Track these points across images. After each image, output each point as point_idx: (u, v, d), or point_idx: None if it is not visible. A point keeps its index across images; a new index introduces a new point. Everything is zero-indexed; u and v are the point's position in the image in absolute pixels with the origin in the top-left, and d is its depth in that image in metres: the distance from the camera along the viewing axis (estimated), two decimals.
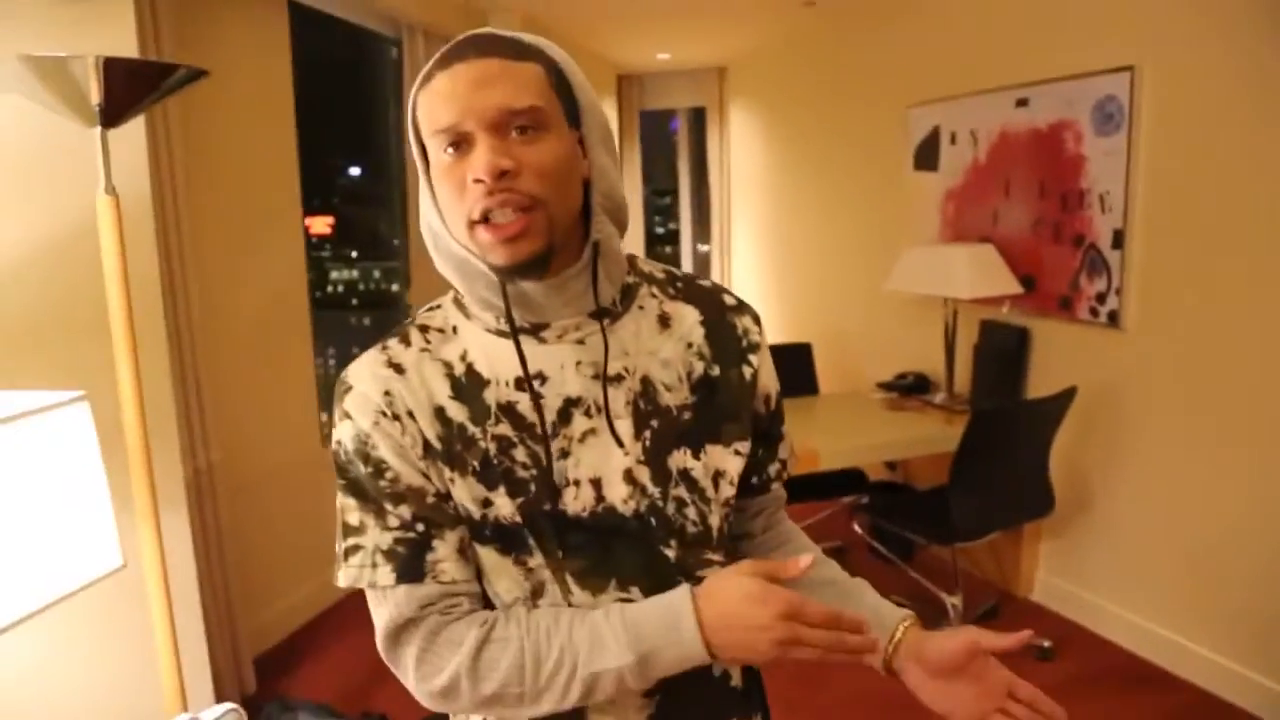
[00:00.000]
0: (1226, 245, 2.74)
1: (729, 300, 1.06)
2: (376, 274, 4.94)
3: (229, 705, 1.32)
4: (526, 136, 0.86)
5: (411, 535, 0.91)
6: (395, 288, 4.85)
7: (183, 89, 1.86)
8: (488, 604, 0.97)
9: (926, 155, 3.86)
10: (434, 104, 0.86)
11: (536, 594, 0.95)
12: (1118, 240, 3.04)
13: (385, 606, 0.92)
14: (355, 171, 4.83)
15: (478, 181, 0.84)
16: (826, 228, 4.72)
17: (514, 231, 0.85)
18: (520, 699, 0.90)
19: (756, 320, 1.06)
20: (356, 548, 0.92)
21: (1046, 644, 3.12)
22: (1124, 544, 3.17)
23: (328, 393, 3.58)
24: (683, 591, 0.88)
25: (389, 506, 0.91)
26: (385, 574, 0.90)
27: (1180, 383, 2.92)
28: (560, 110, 0.89)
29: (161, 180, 2.64)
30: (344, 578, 0.93)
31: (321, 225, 4.34)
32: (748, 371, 1.02)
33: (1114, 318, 3.09)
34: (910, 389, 3.83)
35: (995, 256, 3.43)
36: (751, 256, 6.05)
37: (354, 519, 0.93)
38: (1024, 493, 3.08)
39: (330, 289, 4.98)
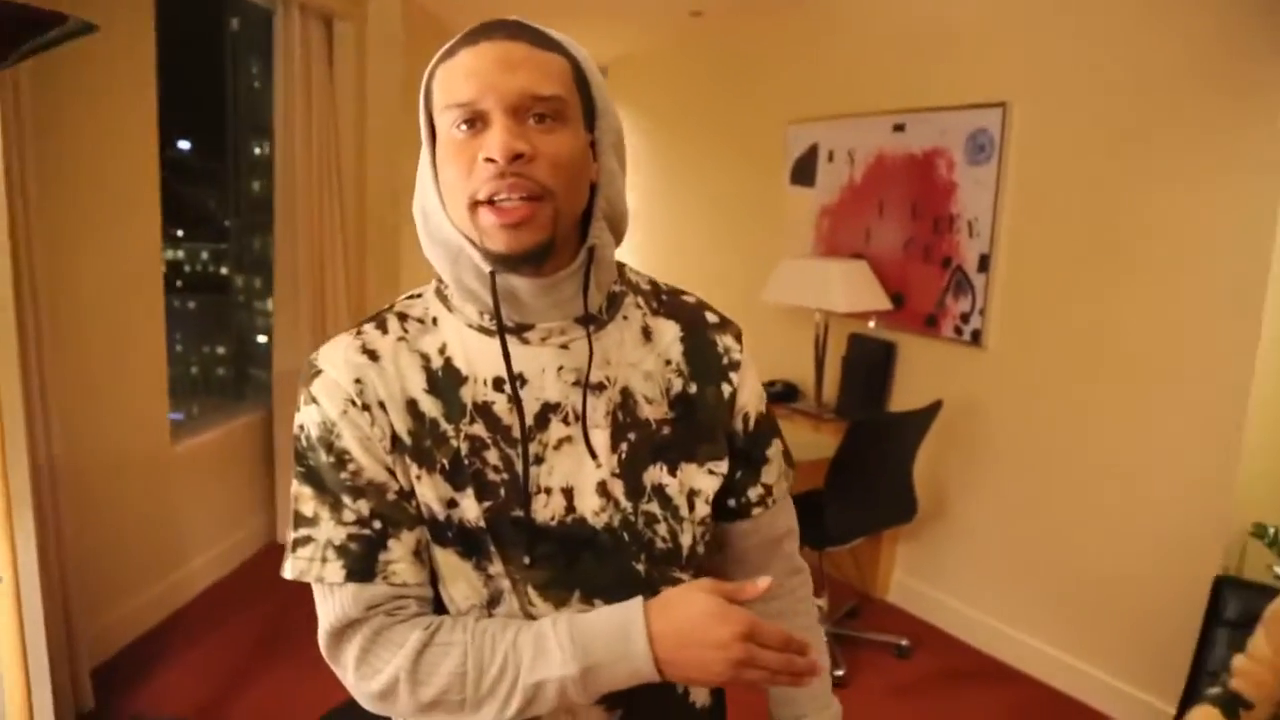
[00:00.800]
0: (1079, 274, 2.97)
1: (711, 317, 1.04)
2: (204, 255, 4.65)
3: None
4: (544, 125, 0.84)
5: (367, 532, 0.88)
6: (225, 271, 4.56)
7: (65, 44, 1.70)
8: (440, 609, 0.93)
9: (804, 171, 3.99)
10: (454, 78, 0.84)
11: (494, 602, 0.91)
12: (983, 264, 3.24)
13: (331, 604, 0.88)
14: (184, 145, 4.53)
15: (489, 161, 0.81)
16: (705, 236, 4.80)
17: (518, 218, 0.82)
18: (460, 705, 0.86)
19: (738, 338, 1.05)
20: (308, 539, 0.88)
21: (904, 642, 3.28)
22: (976, 548, 3.37)
23: (175, 383, 3.33)
24: (635, 604, 0.86)
25: (346, 500, 0.87)
26: (334, 570, 0.87)
27: (1034, 400, 3.14)
28: (579, 107, 0.87)
29: (8, 153, 2.38)
30: (290, 569, 0.89)
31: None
32: (726, 390, 1.01)
33: (976, 337, 3.29)
34: (780, 397, 3.95)
35: (868, 273, 3.58)
36: (627, 260, 6.04)
37: (308, 509, 0.89)
38: (891, 499, 3.23)
39: None
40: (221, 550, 3.72)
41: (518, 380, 0.90)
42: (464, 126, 0.83)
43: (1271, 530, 2.58)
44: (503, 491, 0.89)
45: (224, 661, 3.04)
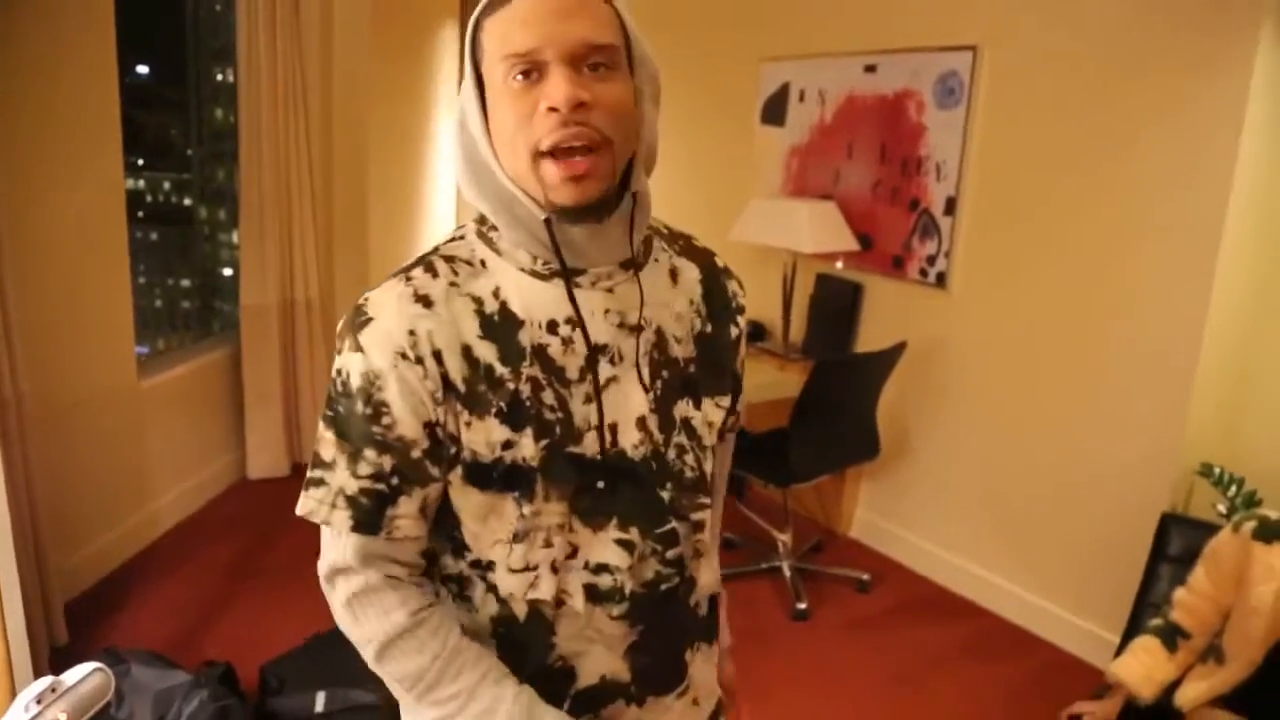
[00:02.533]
0: (1042, 219, 3.01)
1: (719, 263, 1.10)
2: (166, 185, 4.55)
3: (93, 664, 1.23)
4: (600, 74, 0.85)
5: (381, 487, 0.91)
6: (188, 202, 4.48)
7: None
8: (458, 548, 0.98)
9: (774, 110, 3.97)
10: (510, 28, 0.84)
11: (519, 539, 0.95)
12: (949, 207, 3.27)
13: (334, 546, 0.94)
14: (143, 70, 4.38)
15: (552, 110, 0.83)
16: (674, 173, 4.77)
17: (583, 170, 0.85)
18: (406, 694, 0.95)
19: (741, 285, 1.12)
20: (321, 481, 0.92)
21: (865, 577, 3.38)
22: (937, 486, 3.46)
23: (139, 316, 3.30)
24: None
25: (369, 453, 0.90)
26: (342, 518, 0.90)
27: (995, 342, 3.20)
28: (626, 54, 0.90)
29: None
30: (301, 507, 0.93)
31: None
32: (734, 332, 1.07)
33: (941, 279, 3.33)
34: (747, 336, 3.97)
35: (836, 214, 3.60)
36: None
37: (327, 453, 0.92)
38: (854, 438, 3.29)
39: None
40: (191, 486, 3.73)
41: (571, 323, 0.93)
42: (521, 77, 0.84)
43: (1217, 470, 2.67)
44: (559, 429, 0.93)
45: (195, 595, 3.08)
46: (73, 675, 1.22)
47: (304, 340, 4.11)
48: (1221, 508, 2.61)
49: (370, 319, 0.90)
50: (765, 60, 3.99)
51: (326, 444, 0.92)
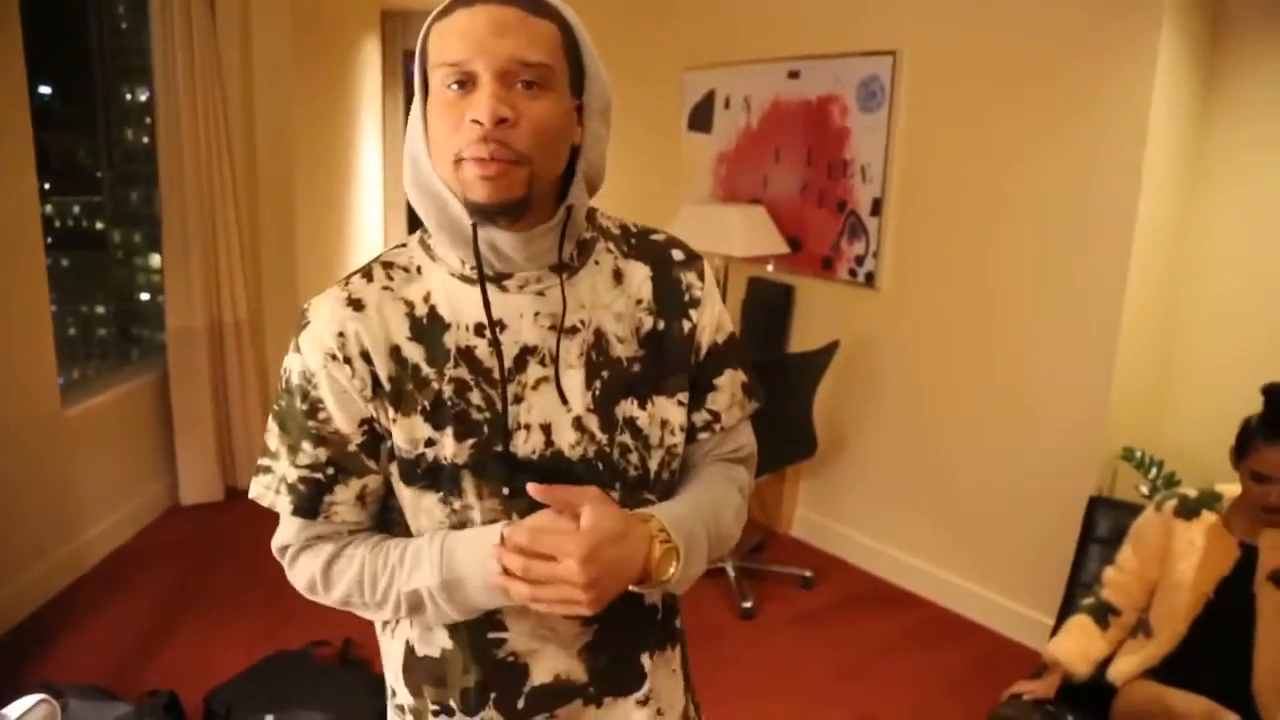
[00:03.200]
0: (964, 217, 3.12)
1: (677, 255, 1.09)
2: (76, 209, 4.42)
3: (39, 696, 1.22)
4: (530, 91, 0.88)
5: (318, 476, 0.98)
6: (100, 226, 4.36)
7: None
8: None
9: (701, 118, 4.03)
10: (448, 38, 0.88)
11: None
12: (876, 208, 3.35)
13: (281, 528, 1.03)
14: (46, 91, 4.23)
15: (475, 123, 0.86)
16: (606, 181, 4.80)
17: (495, 171, 0.88)
18: (365, 606, 1.01)
19: (701, 275, 1.09)
20: (268, 469, 1.00)
21: (808, 574, 3.44)
22: (874, 482, 3.54)
23: (56, 345, 3.19)
24: (498, 528, 0.94)
25: (306, 446, 0.97)
26: (284, 503, 0.98)
27: (926, 338, 3.29)
28: (566, 74, 0.92)
29: None
30: (252, 490, 1.01)
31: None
32: (687, 325, 1.06)
33: (870, 278, 3.41)
34: None
35: (765, 218, 3.66)
36: None
37: (273, 444, 1.00)
38: (792, 437, 3.35)
39: None
40: (122, 515, 3.62)
41: (497, 325, 0.97)
42: (454, 86, 0.88)
43: (1139, 454, 2.79)
44: (486, 429, 0.96)
45: (133, 626, 2.99)
46: (15, 709, 1.19)
47: (234, 361, 4.02)
48: (1144, 489, 2.73)
49: (308, 322, 0.97)
50: (688, 69, 4.04)
51: (272, 435, 1.00)
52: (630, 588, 0.95)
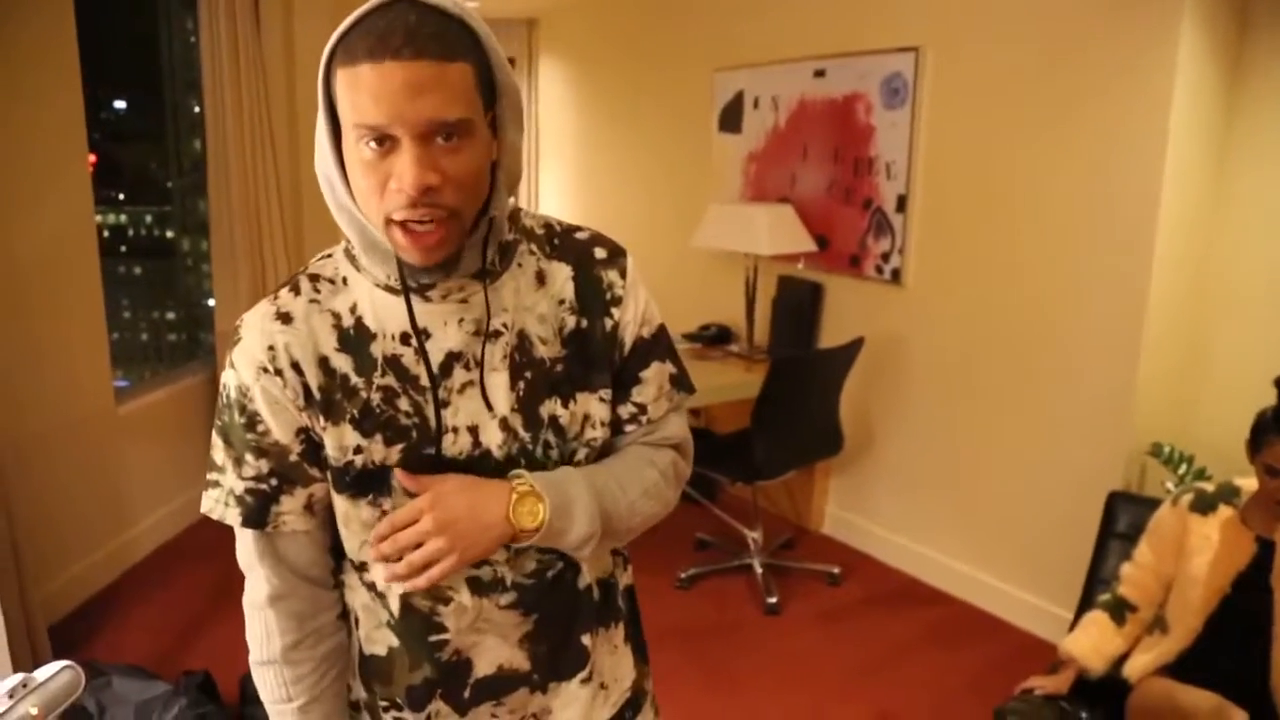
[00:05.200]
0: (989, 212, 3.11)
1: (599, 253, 1.09)
2: (148, 219, 4.56)
3: (64, 662, 1.29)
4: (451, 144, 0.87)
5: (263, 487, 1.00)
6: (171, 234, 4.52)
7: None
8: (337, 549, 1.07)
9: (731, 118, 4.06)
10: (360, 97, 0.85)
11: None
12: (901, 205, 3.36)
13: (239, 541, 1.05)
14: (120, 105, 4.39)
15: (401, 190, 0.86)
16: (636, 184, 4.86)
17: (432, 241, 0.89)
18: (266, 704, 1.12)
19: (624, 273, 1.09)
20: (216, 483, 1.02)
21: (835, 570, 3.45)
22: (901, 478, 3.54)
23: (125, 350, 3.34)
24: None
25: (249, 458, 0.99)
26: (234, 515, 1.00)
27: (949, 334, 3.29)
28: (482, 108, 0.91)
29: None
30: (203, 505, 1.03)
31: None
32: (609, 323, 1.07)
33: (896, 275, 3.41)
34: (714, 339, 4.06)
35: (793, 216, 3.68)
36: (560, 211, 6.10)
37: (219, 458, 1.01)
38: (817, 434, 3.37)
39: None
40: (170, 510, 3.77)
41: (424, 333, 0.98)
42: (374, 144, 0.86)
43: (1167, 449, 2.76)
44: (414, 434, 0.98)
45: (176, 615, 3.12)
46: (44, 672, 1.28)
47: None
48: (1171, 485, 2.70)
49: (240, 338, 0.99)
50: (718, 70, 4.08)
51: (217, 450, 1.01)
52: (514, 546, 1.00)
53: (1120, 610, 2.15)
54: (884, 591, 3.41)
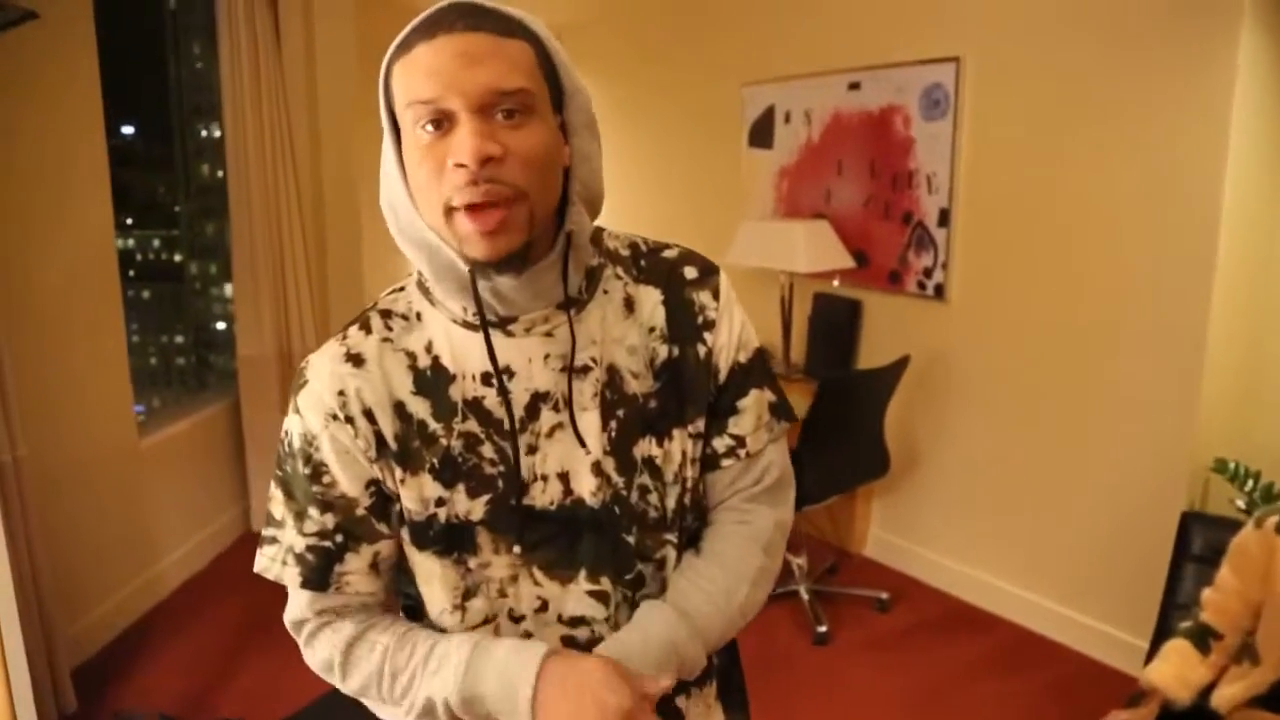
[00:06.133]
0: (1037, 224, 3.01)
1: (689, 273, 1.01)
2: (156, 243, 4.58)
3: None
4: (513, 121, 0.81)
5: (327, 544, 0.92)
6: (179, 258, 4.50)
7: (4, 31, 1.65)
8: (418, 609, 0.99)
9: (762, 133, 3.98)
10: (414, 75, 0.80)
11: (469, 595, 0.94)
12: (943, 218, 3.27)
13: (291, 600, 0.97)
14: (128, 130, 4.42)
15: (460, 166, 0.79)
16: (662, 201, 4.78)
17: (495, 224, 0.81)
18: (381, 700, 0.95)
19: (716, 293, 1.00)
20: (274, 539, 0.94)
21: (884, 596, 3.34)
22: (949, 499, 3.43)
23: (134, 375, 3.27)
24: (537, 650, 0.88)
25: (313, 512, 0.92)
26: (292, 575, 0.93)
27: (999, 350, 3.19)
28: (546, 94, 0.85)
29: None
30: (257, 563, 0.95)
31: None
32: (702, 350, 0.99)
33: (940, 291, 3.32)
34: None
35: (829, 232, 3.59)
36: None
37: (278, 512, 0.94)
38: (864, 456, 3.27)
39: None
40: (196, 543, 3.68)
41: (507, 373, 0.90)
42: (430, 127, 0.81)
43: (1233, 465, 2.65)
44: (500, 483, 0.91)
45: (206, 654, 3.02)
46: None
47: None
48: (1240, 503, 2.59)
49: (306, 382, 0.92)
50: (746, 84, 4.01)
51: (276, 503, 0.94)
52: (612, 603, 0.95)
53: (1204, 638, 2.04)
54: (935, 617, 3.29)
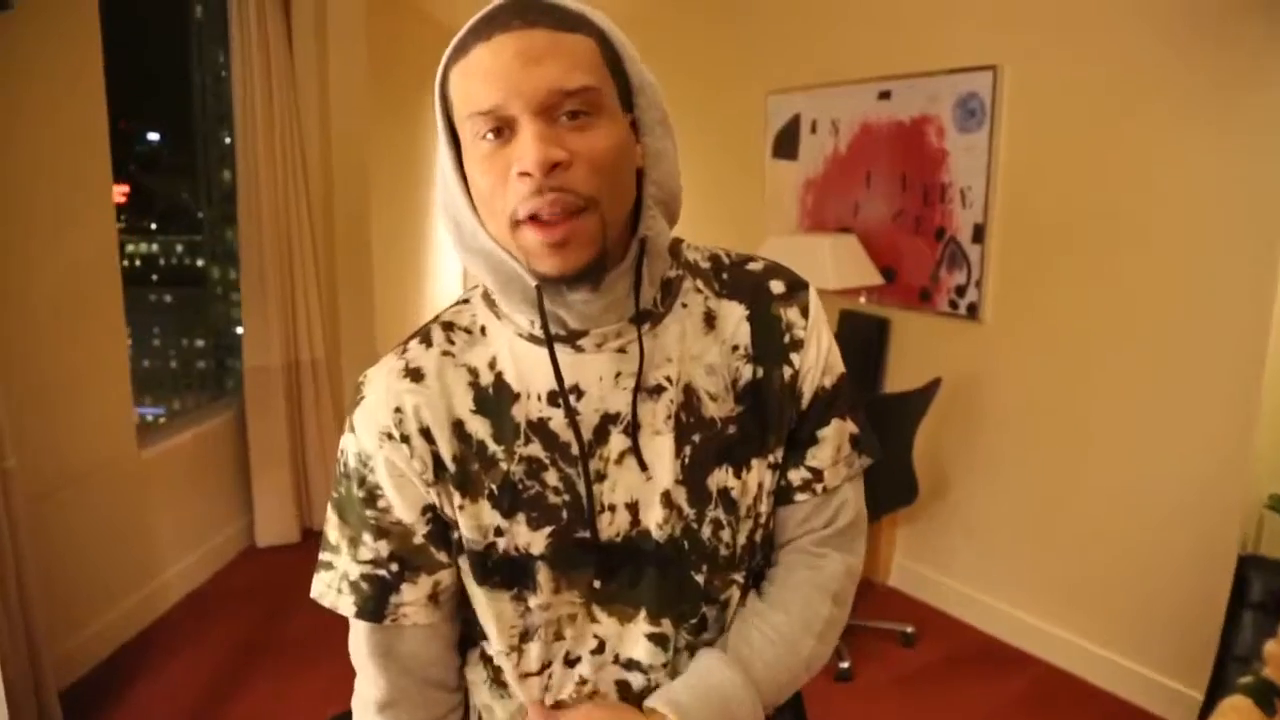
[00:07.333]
0: (1080, 242, 2.85)
1: (776, 287, 0.93)
2: (179, 248, 4.57)
3: None
4: (578, 122, 0.75)
5: (382, 573, 0.86)
6: (201, 263, 4.45)
7: None
8: (471, 636, 0.94)
9: (786, 144, 3.85)
10: (471, 82, 0.75)
11: (526, 638, 0.88)
12: (978, 234, 3.11)
13: (351, 632, 0.91)
14: (153, 137, 4.43)
15: (524, 175, 0.74)
16: (684, 213, 4.65)
17: (562, 236, 0.75)
18: None
19: (805, 310, 0.93)
20: (330, 565, 0.89)
21: (909, 629, 3.17)
22: (979, 529, 3.27)
23: (155, 378, 3.17)
24: None
25: (367, 538, 0.86)
26: (347, 604, 0.88)
27: (1035, 373, 3.03)
28: (614, 90, 0.79)
29: None
30: (314, 589, 0.90)
31: (114, 195, 3.90)
32: (788, 372, 0.91)
33: (973, 310, 3.17)
34: None
35: (857, 247, 3.45)
36: None
37: (333, 536, 0.90)
38: (894, 483, 3.11)
39: (126, 264, 4.52)
40: (198, 557, 3.57)
41: (574, 392, 0.84)
42: (491, 136, 0.75)
43: None
44: (565, 514, 0.84)
45: (204, 674, 2.90)
46: None
47: (310, 401, 3.97)
48: None
49: (363, 398, 0.86)
50: (772, 93, 3.87)
51: (332, 526, 0.90)
52: (670, 648, 0.88)
53: (1268, 696, 1.87)
54: (964, 653, 3.12)
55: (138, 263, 4.59)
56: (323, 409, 4.01)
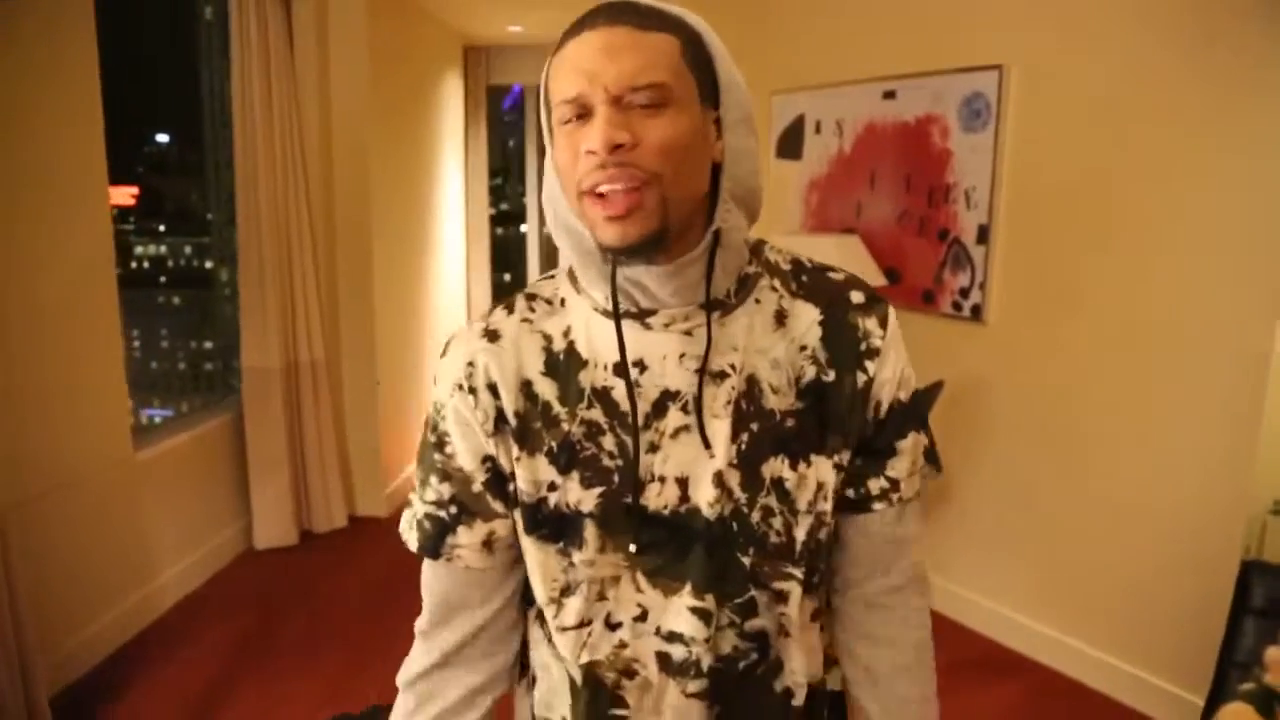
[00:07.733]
0: (1085, 244, 2.83)
1: (856, 297, 0.97)
2: (187, 250, 4.62)
3: None
4: (649, 110, 0.81)
5: (442, 514, 0.95)
6: (210, 265, 4.46)
7: None
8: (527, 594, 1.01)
9: (790, 143, 3.83)
10: (561, 73, 0.84)
11: (567, 592, 0.94)
12: (982, 235, 3.09)
13: (423, 568, 1.00)
14: (163, 139, 4.48)
15: (590, 153, 0.81)
16: None
17: (624, 208, 0.80)
18: None
19: (884, 322, 0.96)
20: (410, 504, 1.00)
21: None
22: (982, 534, 3.24)
23: (161, 379, 3.16)
24: None
25: (433, 480, 0.95)
26: (413, 540, 0.98)
27: (1039, 377, 3.00)
28: (693, 86, 0.84)
29: None
30: (401, 524, 1.01)
31: (123, 196, 3.90)
32: (861, 378, 0.94)
33: (977, 311, 3.14)
34: None
35: (861, 248, 3.42)
36: None
37: (416, 477, 0.99)
38: None
39: (134, 265, 4.52)
40: (194, 560, 3.55)
41: (639, 366, 0.90)
42: (575, 120, 0.83)
43: None
44: (616, 478, 0.90)
45: (202, 678, 2.89)
46: None
47: (309, 402, 3.96)
48: None
49: (446, 352, 0.95)
50: (776, 92, 3.85)
51: (417, 468, 0.99)
52: (713, 624, 0.93)
53: (1268, 702, 1.86)
54: (965, 658, 3.09)
55: (145, 264, 4.60)
56: (322, 410, 3.99)
